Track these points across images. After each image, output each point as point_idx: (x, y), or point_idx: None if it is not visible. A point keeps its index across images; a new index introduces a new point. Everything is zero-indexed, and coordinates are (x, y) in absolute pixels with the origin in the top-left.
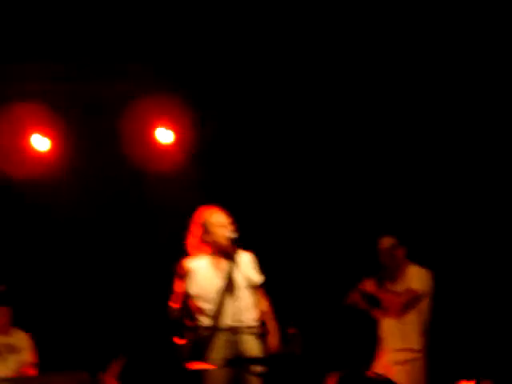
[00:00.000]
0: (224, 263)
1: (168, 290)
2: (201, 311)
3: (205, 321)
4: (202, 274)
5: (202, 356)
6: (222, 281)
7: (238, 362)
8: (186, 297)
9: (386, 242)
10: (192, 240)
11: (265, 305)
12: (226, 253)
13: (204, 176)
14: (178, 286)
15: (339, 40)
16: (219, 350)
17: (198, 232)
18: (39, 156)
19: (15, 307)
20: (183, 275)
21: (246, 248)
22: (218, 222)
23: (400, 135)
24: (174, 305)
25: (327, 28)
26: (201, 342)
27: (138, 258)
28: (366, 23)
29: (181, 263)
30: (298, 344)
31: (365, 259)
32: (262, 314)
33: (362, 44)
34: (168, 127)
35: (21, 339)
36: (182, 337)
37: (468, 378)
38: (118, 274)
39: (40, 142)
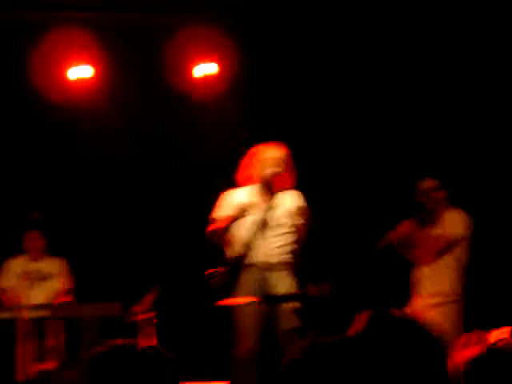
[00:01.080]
0: (265, 197)
1: (206, 222)
2: (234, 242)
3: (236, 253)
4: (242, 202)
5: (233, 289)
6: (259, 214)
7: (269, 298)
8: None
9: (427, 183)
10: (243, 172)
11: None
12: (269, 188)
13: (246, 108)
14: (216, 213)
15: None
16: (250, 285)
17: (249, 165)
18: (81, 83)
19: (51, 235)
20: (224, 202)
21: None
22: (267, 156)
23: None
24: (212, 230)
25: None
26: (233, 276)
27: (177, 189)
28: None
29: (225, 191)
30: (331, 284)
31: (406, 202)
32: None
33: None
34: (211, 59)
35: (54, 265)
36: (216, 268)
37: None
38: (156, 204)
39: (83, 70)
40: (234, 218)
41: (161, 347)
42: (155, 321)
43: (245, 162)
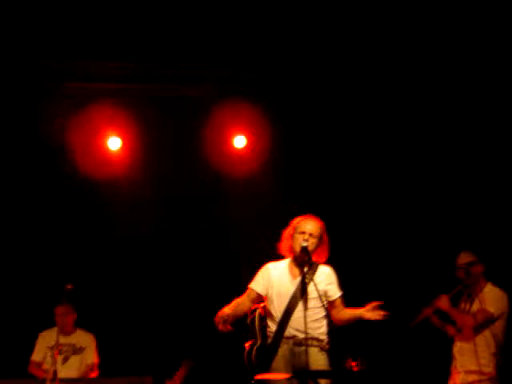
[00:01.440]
0: (300, 271)
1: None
2: (270, 316)
3: (272, 327)
4: (279, 279)
5: (267, 364)
6: (294, 288)
7: (304, 374)
8: (255, 295)
9: (464, 257)
10: (283, 243)
11: (347, 313)
12: (301, 261)
13: (279, 181)
14: (252, 284)
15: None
16: (284, 359)
17: (287, 236)
18: (113, 156)
19: (82, 308)
20: (260, 274)
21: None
22: (300, 229)
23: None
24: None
25: None
26: (267, 350)
27: (209, 263)
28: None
29: (266, 264)
30: (365, 361)
31: (442, 276)
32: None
33: None
34: (244, 133)
35: (84, 339)
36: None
37: None
38: (188, 279)
39: (114, 142)
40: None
41: None
42: None
43: (285, 233)
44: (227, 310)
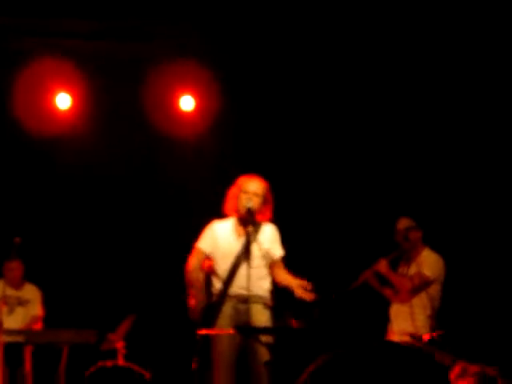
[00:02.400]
0: (244, 230)
1: (185, 252)
2: (215, 274)
3: (217, 285)
4: (224, 237)
5: (211, 321)
6: (239, 247)
7: (246, 330)
8: (203, 255)
9: (403, 222)
10: (228, 202)
11: (281, 276)
12: (245, 221)
13: (223, 145)
14: (199, 244)
15: None
16: (228, 316)
17: (233, 195)
18: (61, 114)
19: (28, 261)
20: (206, 233)
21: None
22: (245, 188)
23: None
24: (191, 262)
25: None
26: (211, 307)
27: (154, 218)
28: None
29: (211, 223)
30: (309, 317)
31: (382, 239)
32: (280, 285)
33: None
34: (191, 94)
35: (31, 292)
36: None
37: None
38: (134, 232)
39: (62, 100)
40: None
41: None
42: (126, 351)
43: (230, 192)
44: (196, 301)
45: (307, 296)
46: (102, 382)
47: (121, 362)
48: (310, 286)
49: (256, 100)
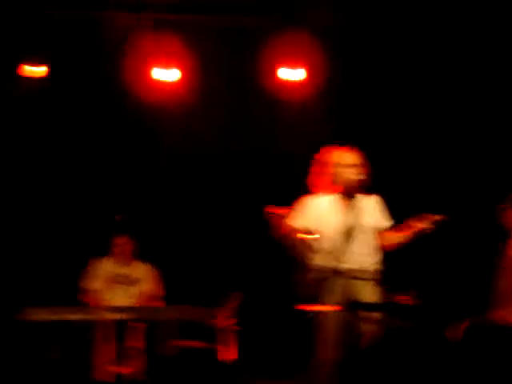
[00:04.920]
0: (349, 204)
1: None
2: (319, 250)
3: (321, 261)
4: (326, 212)
5: (317, 297)
6: (344, 222)
7: (353, 307)
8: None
9: None
10: (317, 178)
11: (388, 237)
12: (351, 194)
13: (333, 113)
14: (294, 221)
15: None
16: (335, 292)
17: (325, 171)
18: (168, 86)
19: (139, 239)
20: (303, 210)
21: (375, 189)
22: (347, 162)
23: None
24: (288, 238)
25: None
26: (317, 283)
27: (261, 192)
28: None
29: (302, 198)
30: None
31: None
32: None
33: None
34: (299, 64)
35: (143, 270)
36: (300, 275)
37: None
38: (240, 208)
39: (169, 73)
40: (306, 232)
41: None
42: (236, 327)
43: (318, 167)
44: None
45: (430, 223)
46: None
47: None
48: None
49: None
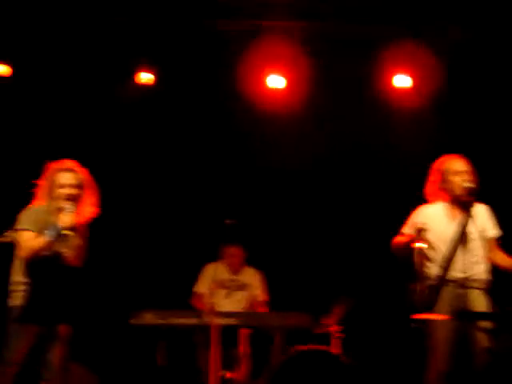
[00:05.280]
0: (459, 213)
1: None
2: (430, 259)
3: (433, 270)
4: (437, 221)
5: (429, 306)
6: (455, 231)
7: (466, 316)
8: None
9: None
10: (431, 187)
11: (500, 258)
12: (461, 202)
13: (442, 123)
14: (409, 230)
15: None
16: (446, 301)
17: (437, 179)
18: (280, 93)
19: (249, 244)
20: (418, 220)
21: (483, 199)
22: (456, 169)
23: None
24: (400, 246)
25: None
26: (429, 292)
27: (374, 199)
28: None
29: (418, 208)
30: None
31: None
32: (495, 266)
33: None
34: (407, 73)
35: (251, 276)
36: (412, 283)
37: None
38: (351, 215)
39: (277, 80)
40: (415, 238)
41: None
42: (342, 335)
43: (433, 176)
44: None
45: None
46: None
47: (333, 348)
48: None
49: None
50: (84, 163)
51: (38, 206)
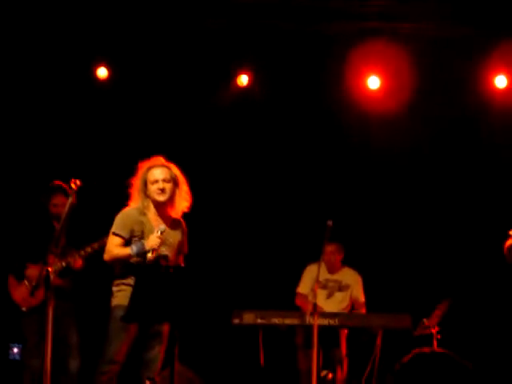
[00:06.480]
0: None
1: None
2: None
3: None
4: None
5: None
6: None
7: None
8: None
9: None
10: None
11: None
12: None
13: None
14: None
15: None
16: None
17: None
18: (371, 94)
19: (348, 244)
20: None
21: None
22: None
23: None
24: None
25: None
26: None
27: (474, 196)
28: None
29: None
30: None
31: None
32: None
33: None
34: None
35: (351, 277)
36: None
37: None
38: (437, 213)
39: (373, 81)
40: None
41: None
42: (439, 336)
43: None
44: None
45: None
46: (417, 369)
47: (437, 348)
48: None
49: None
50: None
51: (133, 208)
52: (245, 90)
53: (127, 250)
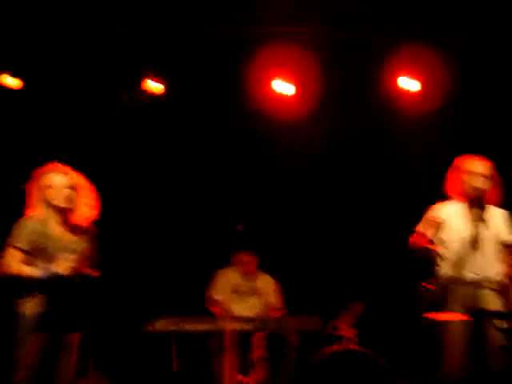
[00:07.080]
0: (474, 214)
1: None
2: (443, 258)
3: (446, 269)
4: (453, 219)
5: (441, 306)
6: (469, 231)
7: (481, 315)
8: (430, 241)
9: None
10: (449, 184)
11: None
12: (476, 203)
13: (454, 124)
14: (424, 228)
15: None
16: (458, 301)
17: (457, 178)
18: (284, 100)
19: (260, 250)
20: (433, 218)
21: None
22: (471, 170)
23: None
24: (418, 244)
25: None
26: (443, 291)
27: (380, 200)
28: None
29: (434, 206)
30: None
31: None
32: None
33: None
34: (414, 76)
35: (265, 282)
36: (425, 282)
37: None
38: (357, 218)
39: (284, 87)
40: (432, 235)
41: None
42: (356, 338)
43: (452, 174)
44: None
45: None
46: (333, 367)
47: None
48: None
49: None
50: (98, 172)
51: (32, 216)
52: (155, 95)
53: (32, 272)
